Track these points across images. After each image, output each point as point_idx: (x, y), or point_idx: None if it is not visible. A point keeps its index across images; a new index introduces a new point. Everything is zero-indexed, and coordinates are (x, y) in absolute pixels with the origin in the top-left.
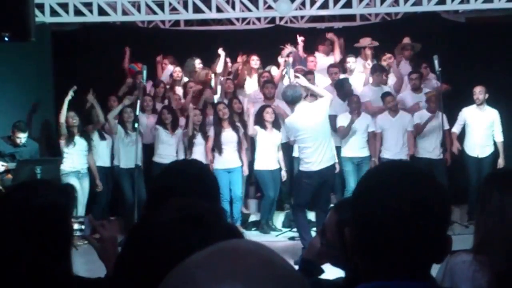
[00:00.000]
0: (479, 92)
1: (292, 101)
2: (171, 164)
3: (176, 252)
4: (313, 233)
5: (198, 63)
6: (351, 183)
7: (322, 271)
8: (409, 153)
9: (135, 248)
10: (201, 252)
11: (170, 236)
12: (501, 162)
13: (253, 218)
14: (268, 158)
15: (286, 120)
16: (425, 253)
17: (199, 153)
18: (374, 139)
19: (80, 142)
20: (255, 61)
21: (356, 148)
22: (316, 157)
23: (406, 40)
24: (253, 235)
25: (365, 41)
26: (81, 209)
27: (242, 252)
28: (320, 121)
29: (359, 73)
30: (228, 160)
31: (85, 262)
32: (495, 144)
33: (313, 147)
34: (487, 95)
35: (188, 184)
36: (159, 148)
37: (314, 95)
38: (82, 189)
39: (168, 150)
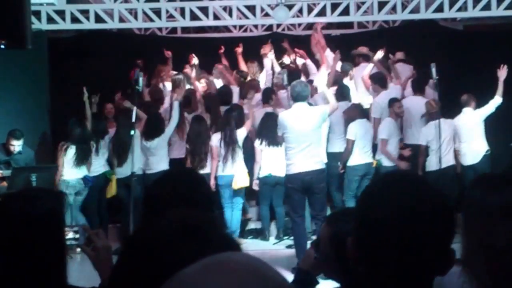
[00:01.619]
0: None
1: (296, 98)
2: (166, 173)
3: (172, 263)
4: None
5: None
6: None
7: (317, 282)
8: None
9: (131, 258)
10: (194, 265)
11: (166, 247)
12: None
13: (252, 225)
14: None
15: (279, 115)
16: (428, 264)
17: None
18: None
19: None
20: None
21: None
22: (297, 159)
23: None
24: (250, 243)
25: (363, 49)
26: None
27: (234, 266)
28: (310, 126)
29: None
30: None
31: (80, 271)
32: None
33: (296, 149)
34: None
35: (183, 192)
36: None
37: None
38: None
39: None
